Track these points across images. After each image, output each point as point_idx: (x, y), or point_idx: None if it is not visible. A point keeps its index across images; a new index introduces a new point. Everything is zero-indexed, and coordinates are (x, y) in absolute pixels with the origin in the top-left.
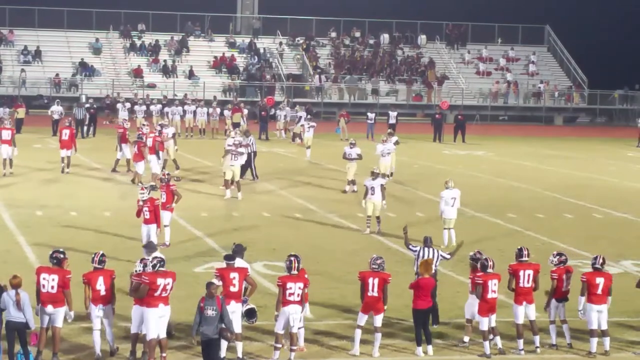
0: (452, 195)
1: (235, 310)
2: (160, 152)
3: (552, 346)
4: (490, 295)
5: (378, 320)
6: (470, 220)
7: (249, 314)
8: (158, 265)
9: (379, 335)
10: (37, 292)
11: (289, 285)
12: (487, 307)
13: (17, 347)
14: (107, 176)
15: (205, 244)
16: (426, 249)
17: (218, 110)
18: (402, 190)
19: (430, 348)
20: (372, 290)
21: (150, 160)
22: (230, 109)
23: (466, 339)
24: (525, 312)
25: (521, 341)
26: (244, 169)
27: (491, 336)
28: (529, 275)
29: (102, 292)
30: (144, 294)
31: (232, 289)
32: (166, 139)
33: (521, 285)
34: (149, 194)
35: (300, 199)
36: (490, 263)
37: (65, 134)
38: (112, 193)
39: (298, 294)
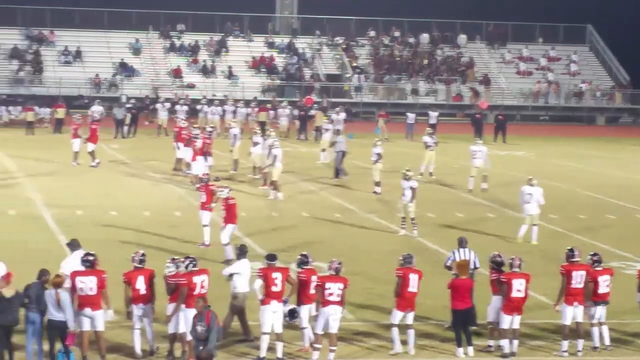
0: (530, 191)
1: (277, 310)
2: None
3: (594, 349)
4: (514, 294)
5: (411, 317)
6: (512, 220)
7: (291, 314)
8: (191, 265)
9: (412, 332)
10: (73, 296)
11: (328, 285)
12: (511, 306)
13: (59, 346)
14: (145, 175)
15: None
16: (461, 250)
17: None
18: (441, 191)
19: (470, 349)
20: (413, 287)
21: (198, 161)
22: (269, 108)
23: (491, 342)
24: (574, 313)
25: (566, 343)
26: (336, 169)
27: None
28: (581, 276)
29: (142, 292)
30: (185, 295)
31: (274, 288)
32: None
33: (573, 285)
34: (228, 192)
35: (340, 199)
36: (518, 262)
37: (95, 130)
38: (152, 192)
39: (337, 294)
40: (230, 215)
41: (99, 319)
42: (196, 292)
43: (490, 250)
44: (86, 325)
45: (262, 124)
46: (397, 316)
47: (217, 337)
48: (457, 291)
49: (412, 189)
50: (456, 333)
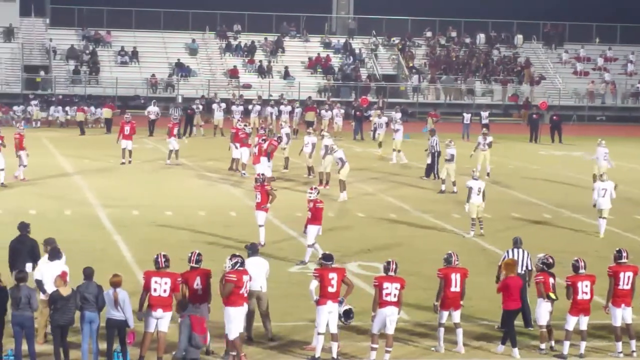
0: (604, 186)
1: (332, 311)
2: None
3: None
4: (581, 297)
5: (457, 316)
6: (567, 220)
7: (346, 315)
8: (238, 264)
9: (460, 331)
10: (143, 295)
11: (385, 285)
12: (578, 308)
13: (116, 345)
14: (201, 175)
15: (299, 244)
16: (515, 250)
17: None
18: (497, 191)
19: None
20: (455, 286)
21: (262, 162)
22: (327, 109)
23: (542, 346)
24: (622, 315)
25: (620, 344)
26: (428, 169)
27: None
28: (628, 277)
29: (199, 292)
30: (229, 292)
31: (330, 289)
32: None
33: (620, 287)
34: (317, 194)
35: (395, 200)
36: (582, 264)
37: (127, 129)
38: (207, 192)
39: (395, 295)
40: (318, 217)
41: (165, 320)
42: (242, 291)
43: (546, 250)
44: (152, 327)
45: (309, 124)
46: (442, 316)
47: (193, 344)
48: (508, 291)
49: (469, 188)
50: (510, 333)
